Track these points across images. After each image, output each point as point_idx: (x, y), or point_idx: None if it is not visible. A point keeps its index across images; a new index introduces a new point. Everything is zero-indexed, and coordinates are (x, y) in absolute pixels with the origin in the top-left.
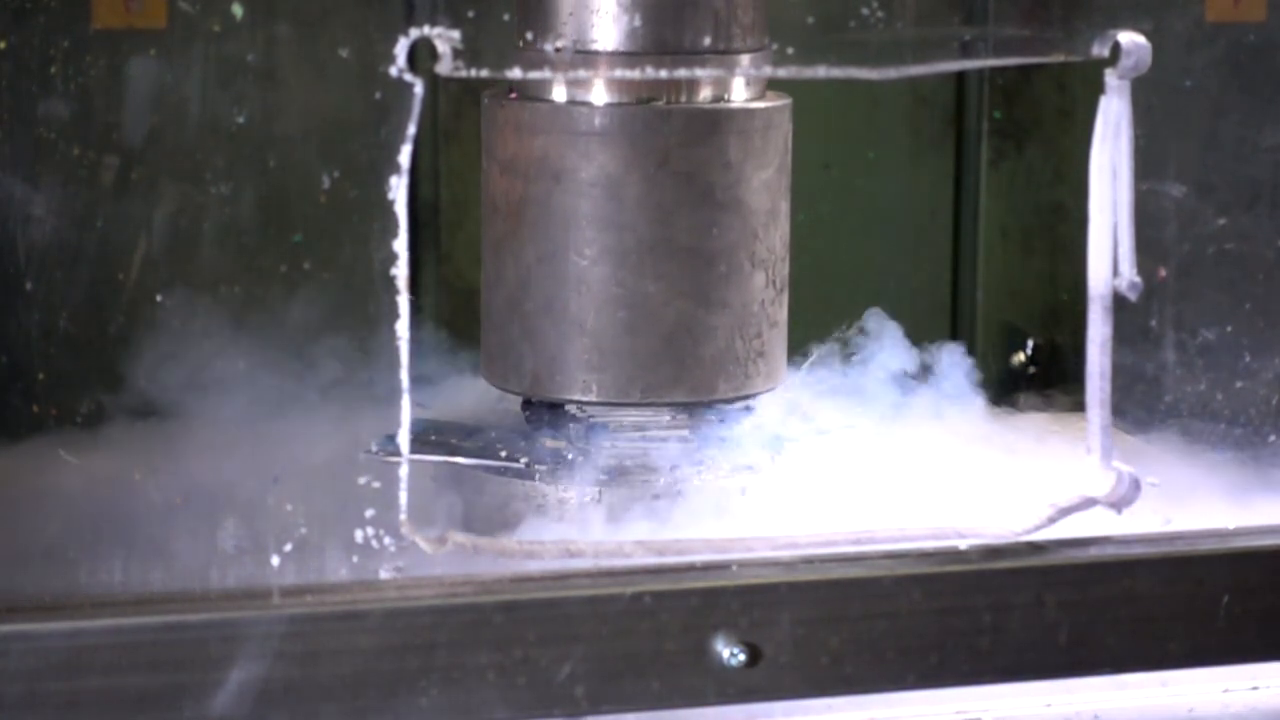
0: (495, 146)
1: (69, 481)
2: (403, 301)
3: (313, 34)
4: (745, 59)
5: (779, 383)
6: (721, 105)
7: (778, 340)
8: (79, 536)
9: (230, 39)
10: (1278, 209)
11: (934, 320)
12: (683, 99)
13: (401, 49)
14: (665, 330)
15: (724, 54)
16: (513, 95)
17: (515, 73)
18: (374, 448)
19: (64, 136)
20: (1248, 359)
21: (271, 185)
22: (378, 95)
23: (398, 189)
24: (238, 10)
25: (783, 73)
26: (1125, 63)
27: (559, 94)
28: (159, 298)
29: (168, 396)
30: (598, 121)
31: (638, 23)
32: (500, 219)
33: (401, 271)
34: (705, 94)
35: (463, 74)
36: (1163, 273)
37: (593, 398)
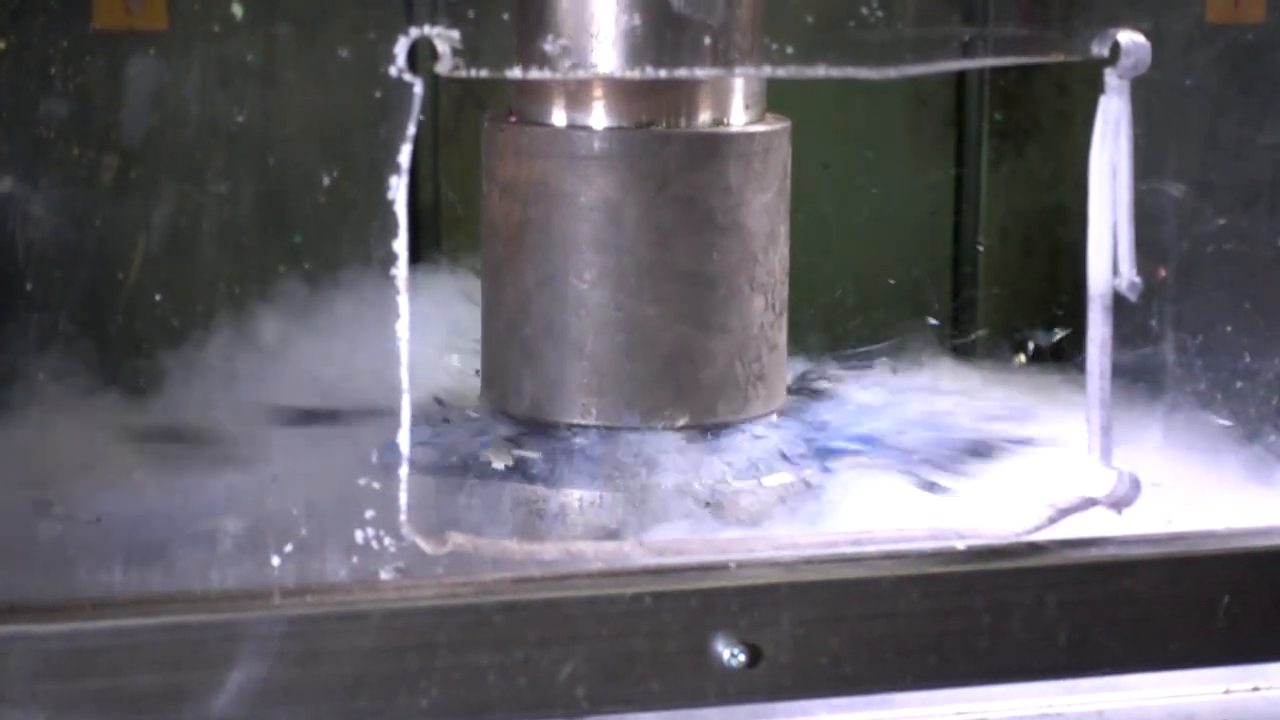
0: (495, 170)
1: None
2: (402, 301)
3: (312, 34)
4: (742, 74)
5: (778, 405)
6: (721, 129)
7: (777, 363)
8: None
9: (230, 39)
10: (1277, 209)
11: (935, 320)
12: (682, 123)
13: (401, 48)
14: (664, 353)
15: (722, 76)
16: (512, 119)
17: (515, 72)
18: (374, 458)
19: (64, 136)
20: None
21: (271, 185)
22: (377, 94)
23: (397, 189)
24: (237, 10)
25: (782, 72)
26: (1125, 62)
27: (558, 118)
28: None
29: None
30: (597, 145)
31: (636, 46)
32: (500, 242)
33: (401, 271)
34: (704, 117)
35: (462, 73)
36: (1162, 272)
37: (592, 421)
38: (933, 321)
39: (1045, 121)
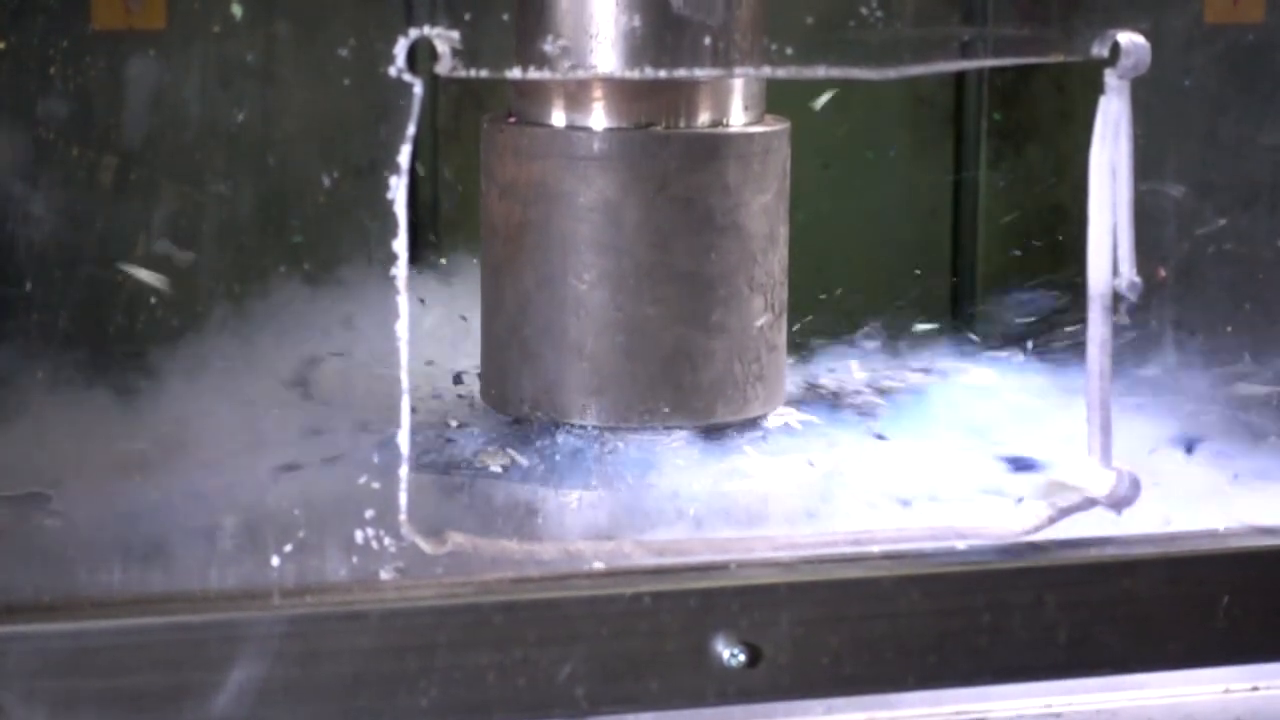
0: (494, 170)
1: None
2: (402, 302)
3: (312, 34)
4: (741, 75)
5: (778, 406)
6: (720, 130)
7: (776, 363)
8: None
9: (229, 39)
10: (1277, 209)
11: (933, 320)
12: (681, 123)
13: (401, 49)
14: (664, 354)
15: (722, 77)
16: (512, 120)
17: (514, 73)
18: (375, 459)
19: (63, 136)
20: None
21: (271, 185)
22: (377, 95)
23: (397, 189)
24: (237, 10)
25: (782, 72)
26: (1124, 62)
27: (558, 119)
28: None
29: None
30: (596, 146)
31: (635, 46)
32: (499, 243)
33: (401, 272)
34: (704, 118)
35: (461, 74)
36: (1162, 272)
37: (591, 421)
38: (973, 336)
39: (1044, 121)
